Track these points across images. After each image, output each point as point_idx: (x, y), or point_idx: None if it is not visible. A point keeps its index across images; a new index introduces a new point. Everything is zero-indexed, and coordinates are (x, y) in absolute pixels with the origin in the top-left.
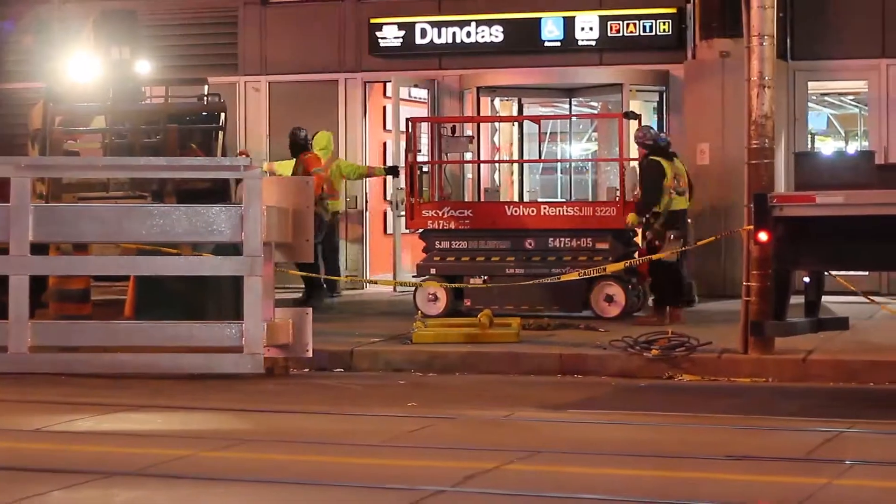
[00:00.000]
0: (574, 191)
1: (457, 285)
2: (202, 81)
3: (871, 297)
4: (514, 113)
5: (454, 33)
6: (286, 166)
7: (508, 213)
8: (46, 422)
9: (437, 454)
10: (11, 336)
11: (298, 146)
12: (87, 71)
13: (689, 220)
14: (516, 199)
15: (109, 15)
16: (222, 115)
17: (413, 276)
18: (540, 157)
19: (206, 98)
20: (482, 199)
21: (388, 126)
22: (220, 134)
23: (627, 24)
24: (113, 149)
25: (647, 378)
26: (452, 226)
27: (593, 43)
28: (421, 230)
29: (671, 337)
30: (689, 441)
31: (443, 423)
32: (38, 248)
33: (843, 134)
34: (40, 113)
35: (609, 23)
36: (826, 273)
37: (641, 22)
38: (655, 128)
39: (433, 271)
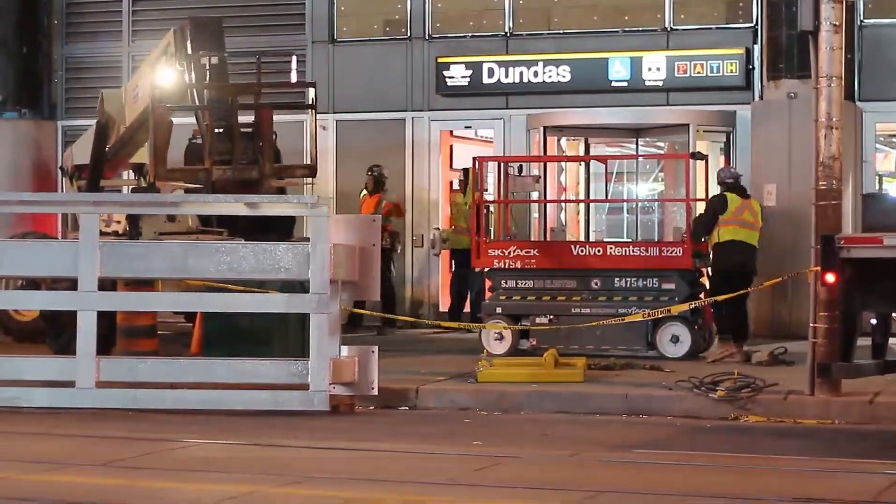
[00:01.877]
0: (640, 231)
1: (521, 326)
2: (290, 54)
3: None
4: (581, 153)
5: (521, 73)
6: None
7: (574, 253)
8: (114, 457)
9: (502, 493)
10: (80, 371)
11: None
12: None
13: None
14: (582, 238)
15: (200, 22)
16: (311, 91)
17: (479, 315)
18: (606, 196)
19: (294, 73)
20: (548, 239)
21: (455, 164)
22: (313, 112)
23: (695, 65)
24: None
25: (712, 419)
26: (518, 265)
27: (660, 83)
28: (487, 269)
29: (737, 378)
30: (755, 483)
31: (508, 462)
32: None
33: None
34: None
35: (676, 63)
36: (893, 315)
37: (709, 63)
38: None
39: (499, 310)
